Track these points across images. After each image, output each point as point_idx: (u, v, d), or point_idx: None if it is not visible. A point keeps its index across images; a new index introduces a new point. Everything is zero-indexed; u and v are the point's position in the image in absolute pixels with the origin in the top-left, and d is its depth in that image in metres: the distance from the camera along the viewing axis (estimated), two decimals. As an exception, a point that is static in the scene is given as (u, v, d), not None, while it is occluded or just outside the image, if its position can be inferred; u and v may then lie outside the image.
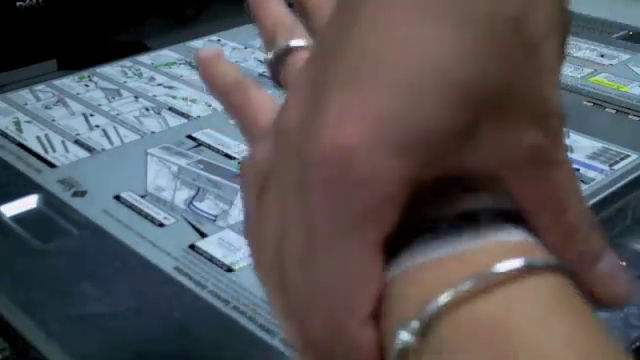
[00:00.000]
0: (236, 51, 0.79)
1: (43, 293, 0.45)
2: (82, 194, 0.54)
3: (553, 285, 0.22)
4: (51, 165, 0.59)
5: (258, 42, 0.81)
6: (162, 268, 0.47)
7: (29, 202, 0.54)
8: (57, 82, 0.72)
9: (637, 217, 0.56)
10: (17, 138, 0.63)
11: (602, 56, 0.77)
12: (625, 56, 0.77)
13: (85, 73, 0.74)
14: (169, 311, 0.44)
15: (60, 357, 0.41)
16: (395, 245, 0.23)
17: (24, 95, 0.70)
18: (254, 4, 0.33)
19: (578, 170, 0.55)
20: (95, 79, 0.73)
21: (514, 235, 0.23)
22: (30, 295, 0.45)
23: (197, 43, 0.81)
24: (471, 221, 0.23)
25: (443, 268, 0.22)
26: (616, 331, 0.55)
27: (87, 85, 0.72)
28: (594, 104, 0.67)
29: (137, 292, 0.45)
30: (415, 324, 0.21)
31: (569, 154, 0.57)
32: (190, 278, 0.46)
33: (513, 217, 0.24)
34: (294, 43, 0.30)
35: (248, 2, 0.33)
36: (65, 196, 0.54)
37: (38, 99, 0.69)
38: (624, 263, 0.58)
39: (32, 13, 0.80)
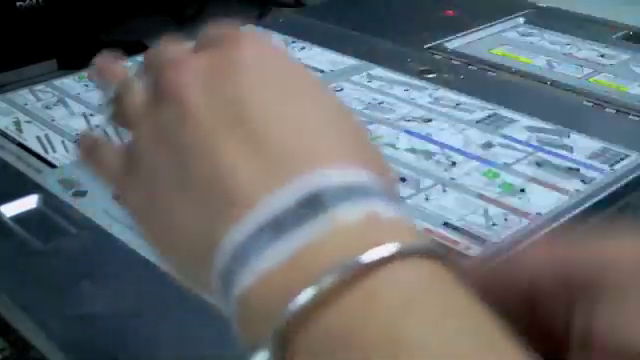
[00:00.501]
0: (236, 51, 0.79)
1: (43, 293, 0.45)
2: (82, 194, 0.54)
3: (424, 272, 0.21)
4: (51, 165, 0.58)
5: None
6: (162, 268, 0.47)
7: (29, 202, 0.54)
8: (57, 82, 0.72)
9: (637, 217, 0.56)
10: (17, 138, 0.63)
11: (602, 56, 0.77)
12: (625, 56, 0.77)
13: (85, 73, 0.74)
14: (169, 311, 0.44)
15: (60, 357, 0.41)
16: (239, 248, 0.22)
17: (24, 95, 0.70)
18: (98, 67, 0.34)
19: (578, 170, 0.55)
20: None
21: (375, 215, 0.21)
22: (30, 295, 0.45)
23: (197, 43, 0.81)
24: (315, 204, 0.21)
25: (293, 268, 0.21)
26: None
27: (87, 85, 0.72)
28: (594, 104, 0.67)
29: (137, 292, 0.45)
30: (266, 345, 0.20)
31: (569, 154, 0.58)
32: (190, 278, 0.46)
33: (373, 190, 0.22)
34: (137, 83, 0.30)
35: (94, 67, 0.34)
36: (65, 196, 0.54)
37: (38, 99, 0.69)
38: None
39: (32, 13, 0.80)
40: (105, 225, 0.51)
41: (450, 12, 0.88)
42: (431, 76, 0.71)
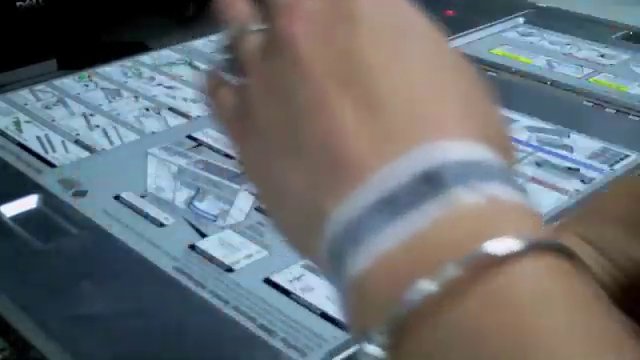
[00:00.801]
0: (236, 51, 0.79)
1: (43, 293, 0.45)
2: (82, 194, 0.54)
3: (553, 269, 0.19)
4: (51, 165, 0.58)
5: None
6: (162, 268, 0.47)
7: (29, 202, 0.54)
8: (57, 82, 0.72)
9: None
10: (17, 138, 0.63)
11: (602, 56, 0.77)
12: (625, 56, 0.77)
13: (85, 73, 0.74)
14: (169, 311, 0.44)
15: (60, 357, 0.41)
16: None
17: (24, 95, 0.70)
18: (224, 3, 0.30)
19: (578, 170, 0.55)
20: (95, 79, 0.73)
21: (496, 198, 0.20)
22: (30, 295, 0.45)
23: (197, 43, 0.81)
24: (434, 182, 0.20)
25: (412, 252, 0.19)
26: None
27: (87, 85, 0.72)
28: (594, 104, 0.67)
29: (137, 292, 0.45)
30: (382, 334, 0.19)
31: (569, 154, 0.58)
32: (190, 278, 0.46)
33: (494, 169, 0.21)
34: (256, 27, 0.28)
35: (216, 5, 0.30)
36: (65, 196, 0.54)
37: (38, 99, 0.69)
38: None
39: (32, 13, 0.80)
40: (105, 225, 0.51)
41: (450, 12, 0.88)
42: (431, 76, 0.71)
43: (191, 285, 0.45)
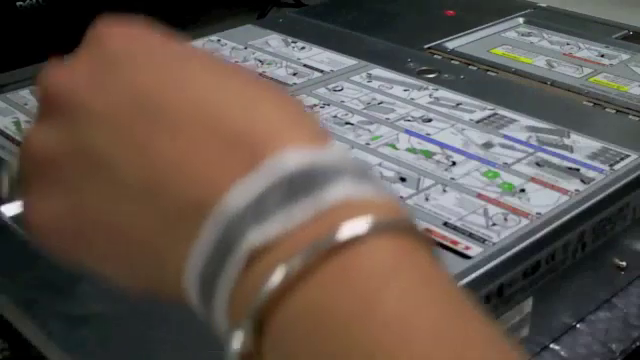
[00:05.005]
0: (236, 51, 0.79)
1: (43, 293, 0.45)
2: (82, 194, 0.54)
3: (396, 247, 0.20)
4: (51, 165, 0.58)
5: (258, 42, 0.81)
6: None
7: (29, 202, 0.54)
8: (57, 82, 0.72)
9: (637, 217, 0.56)
10: (17, 138, 0.62)
11: (602, 56, 0.77)
12: (625, 56, 0.77)
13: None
14: (169, 311, 0.44)
15: (60, 357, 0.41)
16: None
17: (24, 95, 0.70)
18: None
19: (578, 170, 0.55)
20: (95, 79, 0.73)
21: (344, 192, 0.21)
22: (30, 295, 0.45)
23: (197, 43, 0.81)
24: (291, 190, 0.21)
25: (273, 249, 0.20)
26: (616, 331, 0.55)
27: (87, 85, 0.72)
28: (594, 104, 0.67)
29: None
30: (246, 324, 0.20)
31: (569, 154, 0.58)
32: (190, 278, 0.46)
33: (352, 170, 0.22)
34: None
35: None
36: (65, 196, 0.54)
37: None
38: (624, 263, 0.59)
39: (32, 13, 0.80)
40: (105, 225, 0.51)
41: (450, 12, 0.88)
42: (431, 76, 0.71)
43: (191, 285, 0.45)
